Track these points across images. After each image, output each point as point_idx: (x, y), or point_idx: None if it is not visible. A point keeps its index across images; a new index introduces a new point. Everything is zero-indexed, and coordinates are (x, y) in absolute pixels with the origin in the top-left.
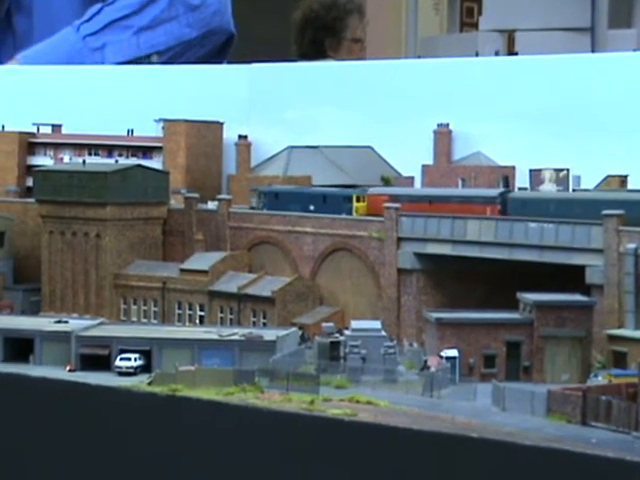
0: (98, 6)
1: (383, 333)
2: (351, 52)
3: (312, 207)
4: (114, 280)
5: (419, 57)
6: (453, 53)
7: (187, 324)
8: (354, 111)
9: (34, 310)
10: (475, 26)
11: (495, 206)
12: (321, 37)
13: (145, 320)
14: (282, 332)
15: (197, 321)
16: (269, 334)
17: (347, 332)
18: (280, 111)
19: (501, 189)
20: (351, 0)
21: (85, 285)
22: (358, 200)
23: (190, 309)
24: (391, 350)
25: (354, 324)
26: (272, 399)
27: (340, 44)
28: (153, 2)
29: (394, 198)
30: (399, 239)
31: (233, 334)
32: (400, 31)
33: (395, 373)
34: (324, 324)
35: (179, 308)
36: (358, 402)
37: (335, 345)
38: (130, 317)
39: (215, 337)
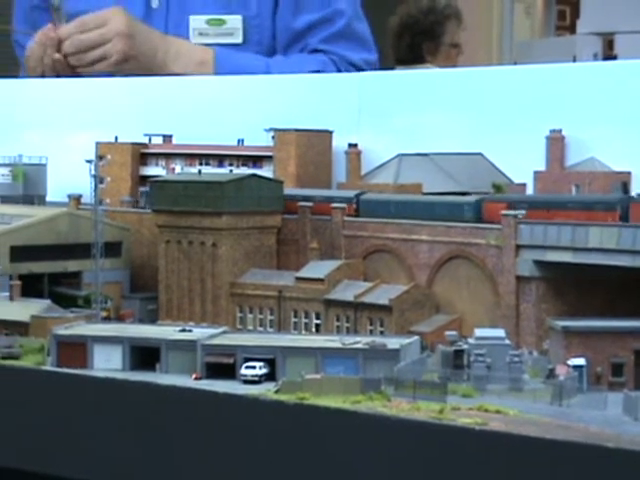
0: None
1: (507, 341)
2: (449, 57)
3: None
4: (230, 289)
5: (515, 63)
6: (549, 58)
7: (303, 332)
8: (464, 118)
9: (151, 318)
10: (568, 29)
11: (351, 205)
12: (419, 42)
13: (261, 329)
14: (405, 340)
15: (313, 329)
16: (392, 342)
17: (471, 340)
18: (390, 119)
19: (357, 191)
20: (449, 5)
21: (201, 294)
22: None
23: (306, 317)
24: (516, 358)
25: (478, 332)
26: (400, 407)
27: (438, 49)
28: None
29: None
30: (518, 246)
31: (356, 342)
32: (491, 36)
33: (521, 382)
34: (447, 332)
35: (295, 316)
36: (487, 411)
37: (459, 353)
38: (246, 326)
39: (338, 345)
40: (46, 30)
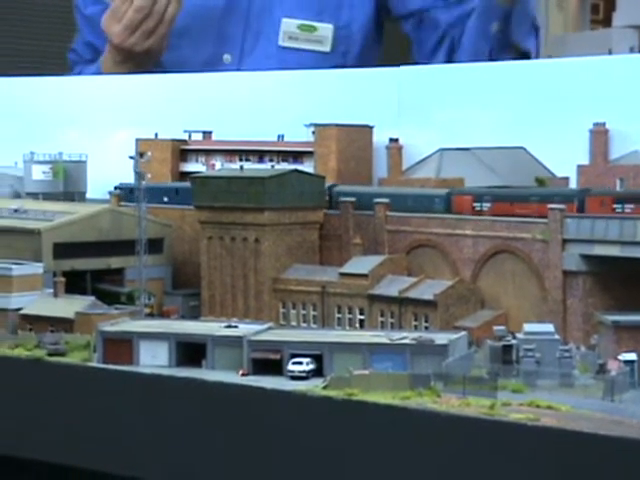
0: None
1: (557, 336)
2: None
3: (166, 199)
4: (273, 284)
5: (549, 56)
6: (583, 51)
7: (347, 328)
8: (505, 112)
9: (193, 315)
10: (601, 23)
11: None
12: None
13: (304, 324)
14: (453, 335)
15: (357, 325)
16: (440, 338)
17: (520, 335)
18: (430, 113)
19: (331, 183)
20: None
21: (244, 290)
22: None
23: (350, 313)
24: (567, 354)
25: (527, 327)
26: (450, 403)
27: None
28: None
29: None
30: (564, 240)
31: (403, 338)
32: None
33: (571, 377)
34: (496, 327)
35: (339, 312)
36: (538, 406)
37: (508, 349)
38: (289, 321)
39: (386, 341)
40: None
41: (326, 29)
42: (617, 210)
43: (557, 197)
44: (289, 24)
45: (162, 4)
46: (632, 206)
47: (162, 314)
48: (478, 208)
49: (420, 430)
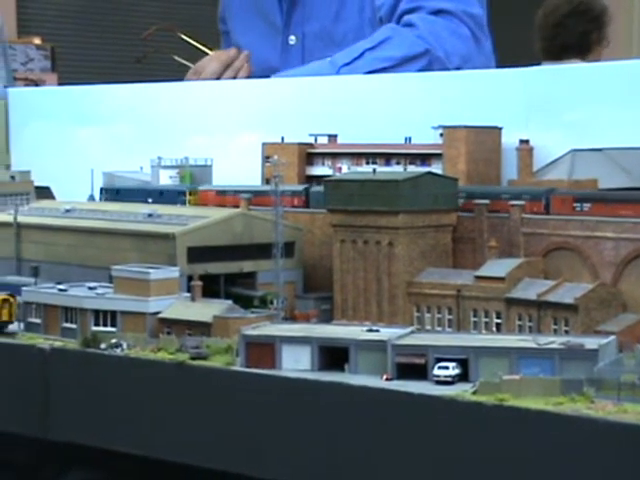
0: (359, 48)
1: None
2: (598, 50)
3: (150, 200)
4: (407, 288)
5: None
6: None
7: (483, 332)
8: (636, 111)
9: (325, 318)
10: None
11: (301, 197)
12: (590, 29)
13: (439, 328)
14: (603, 340)
15: (494, 329)
16: (589, 342)
17: None
18: (560, 114)
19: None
20: None
21: (377, 293)
22: (190, 194)
23: (486, 317)
24: None
25: None
26: (606, 410)
27: (604, 38)
28: (413, 60)
29: (220, 193)
30: None
31: (551, 342)
32: (631, 29)
33: None
34: None
35: (474, 316)
36: None
37: None
38: (424, 325)
39: (534, 345)
40: None
41: None
42: (577, 209)
43: (526, 195)
44: None
45: (235, 69)
46: (589, 205)
47: (294, 318)
48: None
49: (576, 437)
